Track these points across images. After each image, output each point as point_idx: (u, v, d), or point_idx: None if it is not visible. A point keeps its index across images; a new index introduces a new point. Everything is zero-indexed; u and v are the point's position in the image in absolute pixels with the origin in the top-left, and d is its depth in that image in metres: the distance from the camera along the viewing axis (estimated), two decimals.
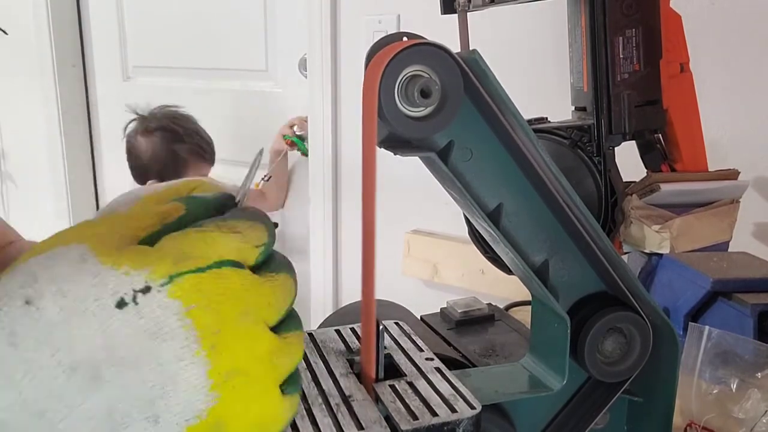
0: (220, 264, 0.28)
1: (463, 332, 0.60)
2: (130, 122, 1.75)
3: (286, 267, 0.32)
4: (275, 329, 0.30)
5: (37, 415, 0.25)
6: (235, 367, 0.27)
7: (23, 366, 0.25)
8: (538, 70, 1.33)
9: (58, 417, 0.25)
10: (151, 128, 1.70)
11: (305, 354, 0.42)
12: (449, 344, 0.57)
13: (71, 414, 0.25)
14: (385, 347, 0.42)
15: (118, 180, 2.31)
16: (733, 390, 0.58)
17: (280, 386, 0.30)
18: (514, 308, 0.84)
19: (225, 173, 2.02)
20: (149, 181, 1.72)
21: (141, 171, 1.73)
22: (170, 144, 1.69)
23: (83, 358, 0.25)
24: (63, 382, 0.25)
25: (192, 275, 0.27)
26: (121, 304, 0.26)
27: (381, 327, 0.38)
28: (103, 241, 0.28)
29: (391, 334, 0.45)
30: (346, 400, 0.36)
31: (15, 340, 0.25)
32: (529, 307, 0.48)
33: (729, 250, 0.83)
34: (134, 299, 0.26)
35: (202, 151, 1.70)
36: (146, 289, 0.26)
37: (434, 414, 0.35)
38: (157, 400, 0.26)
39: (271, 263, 0.31)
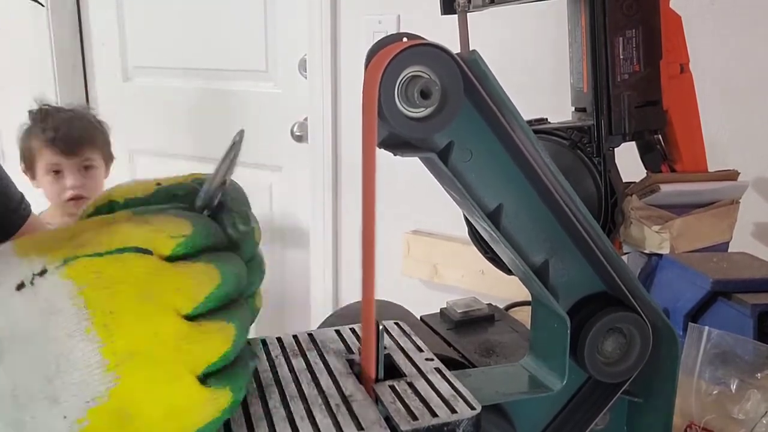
0: (122, 250, 0.29)
1: (462, 332, 0.60)
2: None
3: (220, 260, 0.32)
4: (194, 318, 0.30)
5: None
6: (134, 348, 0.28)
7: None
8: (538, 71, 1.33)
9: None
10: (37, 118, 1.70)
11: (305, 354, 0.42)
12: (449, 344, 0.57)
13: None
14: (385, 347, 0.42)
15: (118, 180, 2.31)
16: (733, 390, 0.58)
17: (203, 377, 0.30)
18: (514, 308, 0.84)
19: None
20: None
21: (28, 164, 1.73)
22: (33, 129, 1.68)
23: None
24: None
25: (87, 258, 0.29)
26: (20, 286, 0.28)
27: (381, 327, 0.38)
28: (25, 241, 0.30)
29: (391, 335, 0.45)
30: (345, 400, 0.36)
31: None
32: (529, 308, 0.48)
33: (729, 250, 0.83)
34: (32, 281, 0.28)
35: (56, 137, 1.64)
36: (43, 272, 0.28)
37: (434, 414, 0.35)
38: (54, 378, 0.27)
39: (200, 256, 0.31)
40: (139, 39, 2.13)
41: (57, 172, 1.65)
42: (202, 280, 0.30)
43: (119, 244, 0.29)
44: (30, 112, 1.69)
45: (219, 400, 0.30)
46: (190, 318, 0.30)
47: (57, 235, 0.30)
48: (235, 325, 0.31)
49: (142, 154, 2.23)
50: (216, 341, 0.30)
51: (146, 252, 0.30)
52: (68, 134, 1.63)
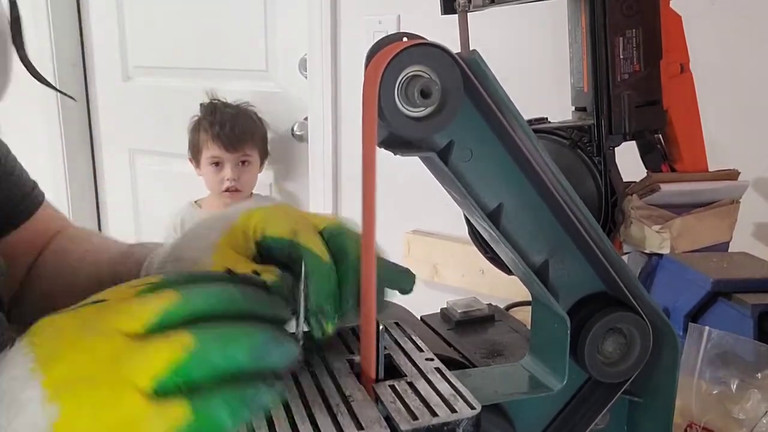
0: (84, 305, 0.31)
1: (463, 332, 0.60)
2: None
3: (189, 284, 0.32)
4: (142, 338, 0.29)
5: None
6: (71, 374, 0.28)
7: None
8: (538, 71, 1.33)
9: None
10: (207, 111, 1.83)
11: (304, 354, 0.42)
12: (449, 344, 0.57)
13: None
14: (385, 347, 0.42)
15: (118, 180, 2.31)
16: (734, 390, 0.58)
17: (154, 391, 0.28)
18: (514, 308, 0.84)
19: None
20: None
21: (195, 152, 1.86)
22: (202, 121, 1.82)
23: None
24: None
25: (48, 317, 0.30)
26: None
27: (381, 327, 0.38)
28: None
29: (391, 335, 0.45)
30: (345, 400, 0.36)
31: None
32: (529, 308, 0.48)
33: (729, 250, 0.83)
34: (5, 356, 0.29)
35: (219, 130, 1.77)
36: (11, 345, 0.29)
37: (434, 414, 0.35)
38: (12, 421, 0.27)
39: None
40: (139, 39, 2.13)
41: (217, 164, 1.79)
42: (150, 301, 0.30)
43: (80, 304, 0.31)
44: (201, 105, 1.82)
45: (169, 414, 0.28)
46: (142, 336, 0.29)
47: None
48: (198, 336, 0.29)
49: (143, 153, 2.23)
50: (161, 352, 0.28)
51: (101, 301, 0.31)
52: (232, 130, 1.75)
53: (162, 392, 0.28)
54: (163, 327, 0.29)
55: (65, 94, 0.59)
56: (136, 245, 0.61)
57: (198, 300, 0.30)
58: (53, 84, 0.57)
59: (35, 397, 0.27)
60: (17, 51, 0.51)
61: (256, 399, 0.29)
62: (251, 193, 1.88)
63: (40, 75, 0.53)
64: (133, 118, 2.18)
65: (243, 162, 1.79)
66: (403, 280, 0.45)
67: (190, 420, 0.28)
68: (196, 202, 1.91)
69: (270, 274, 0.40)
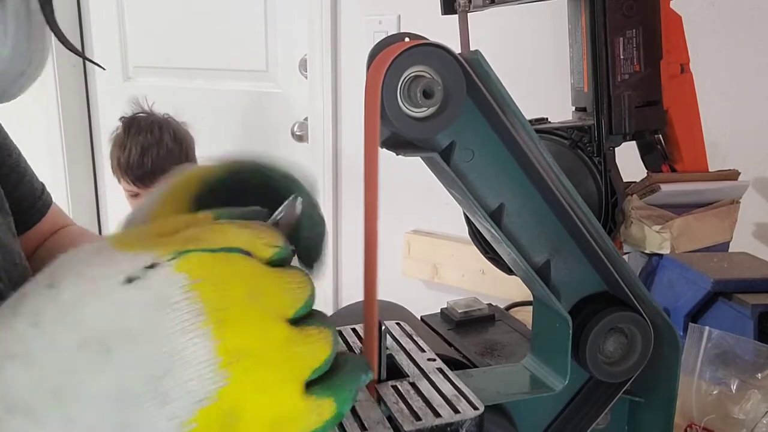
0: (229, 249, 0.29)
1: (463, 333, 0.60)
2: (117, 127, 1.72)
3: (303, 270, 0.31)
4: (295, 322, 0.29)
5: (51, 392, 0.25)
6: (246, 347, 0.27)
7: (43, 343, 0.25)
8: (538, 71, 1.33)
9: (69, 397, 0.25)
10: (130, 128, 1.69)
11: None
12: (450, 345, 0.57)
13: (81, 394, 0.25)
14: (387, 348, 0.42)
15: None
16: (734, 391, 0.58)
17: (306, 386, 0.28)
18: (515, 308, 0.84)
19: None
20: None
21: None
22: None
23: (94, 334, 0.26)
24: (75, 356, 0.25)
25: (199, 253, 0.28)
26: (130, 279, 0.26)
27: (383, 327, 0.38)
28: (121, 237, 0.29)
29: (393, 335, 0.45)
30: None
31: (37, 320, 0.26)
32: (530, 308, 0.48)
33: (729, 250, 0.83)
34: (144, 275, 0.26)
35: (129, 167, 1.65)
36: (153, 265, 0.27)
37: (437, 415, 0.35)
38: (165, 377, 0.25)
39: (286, 266, 0.31)
40: (140, 39, 2.13)
41: (136, 196, 1.67)
42: (300, 286, 0.30)
43: (226, 243, 0.29)
44: (121, 120, 1.69)
45: (322, 410, 0.29)
46: (292, 322, 0.29)
47: (155, 230, 0.30)
48: (330, 330, 0.30)
49: None
50: (319, 345, 0.29)
51: (249, 254, 0.29)
52: (141, 165, 1.62)
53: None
54: (302, 314, 0.30)
55: (95, 63, 0.56)
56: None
57: (315, 293, 0.31)
58: (82, 52, 0.56)
59: (207, 360, 0.26)
60: (47, 20, 0.49)
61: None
62: None
63: (71, 45, 0.51)
64: None
65: None
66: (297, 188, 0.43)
67: (335, 415, 0.29)
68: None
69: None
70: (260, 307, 0.28)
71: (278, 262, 0.30)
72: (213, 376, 0.26)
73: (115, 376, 0.25)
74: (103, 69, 0.59)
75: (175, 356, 0.26)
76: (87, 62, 2.23)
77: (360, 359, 0.31)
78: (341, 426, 0.34)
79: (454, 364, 0.49)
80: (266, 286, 0.29)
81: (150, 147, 1.63)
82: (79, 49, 2.20)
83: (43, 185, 0.72)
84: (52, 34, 0.49)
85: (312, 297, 0.30)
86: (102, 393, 0.25)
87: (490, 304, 0.65)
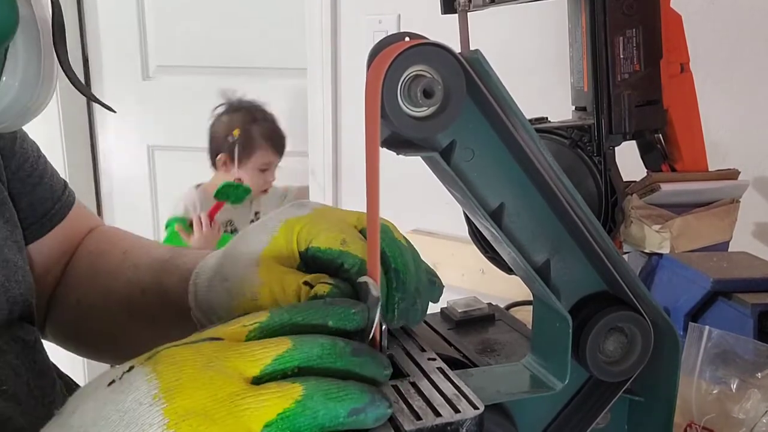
0: (201, 341, 0.33)
1: (463, 332, 0.60)
2: (217, 107, 1.90)
3: (301, 331, 0.34)
4: (262, 381, 0.31)
5: None
6: (192, 407, 0.29)
7: None
8: (538, 70, 1.33)
9: None
10: (233, 108, 1.89)
11: None
12: (450, 344, 0.57)
13: None
14: (387, 347, 0.42)
15: (118, 180, 2.31)
16: (733, 390, 0.58)
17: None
18: (515, 308, 0.84)
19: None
20: (219, 157, 1.88)
21: (215, 146, 1.90)
22: (246, 123, 1.86)
23: (77, 427, 0.30)
24: None
25: (165, 349, 0.32)
26: (111, 383, 0.31)
27: (384, 327, 0.38)
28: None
29: (393, 334, 0.45)
30: None
31: None
32: (530, 307, 0.48)
33: (729, 249, 0.83)
34: (120, 377, 0.31)
35: (273, 137, 1.86)
36: (130, 368, 0.31)
37: (437, 414, 0.35)
38: None
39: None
40: (158, 38, 2.14)
41: (265, 170, 1.90)
42: (267, 347, 0.32)
43: (197, 338, 0.33)
44: (230, 104, 1.90)
45: None
46: (258, 381, 0.31)
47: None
48: (305, 386, 0.31)
49: (147, 153, 2.24)
50: (272, 399, 0.30)
51: (218, 339, 0.33)
52: (280, 136, 1.88)
53: None
54: (275, 372, 0.32)
55: (103, 104, 0.56)
56: (176, 253, 0.62)
57: (309, 351, 0.33)
58: (95, 95, 0.56)
59: (157, 423, 0.29)
60: (58, 58, 0.50)
61: None
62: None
63: (81, 85, 0.53)
64: (152, 115, 2.18)
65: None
66: (434, 291, 0.49)
67: None
68: (198, 185, 1.92)
69: (323, 285, 0.41)
70: (214, 372, 0.30)
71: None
72: None
73: None
74: (114, 112, 0.61)
75: (132, 425, 0.29)
76: (88, 63, 2.23)
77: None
78: None
79: (454, 363, 0.49)
80: (226, 352, 0.32)
81: (272, 120, 1.86)
82: (81, 48, 2.20)
83: (64, 184, 0.70)
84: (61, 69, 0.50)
85: (294, 351, 0.32)
86: None
87: (490, 304, 0.65)
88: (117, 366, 0.33)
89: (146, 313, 0.60)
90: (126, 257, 0.65)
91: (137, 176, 2.28)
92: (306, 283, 0.42)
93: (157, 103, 2.17)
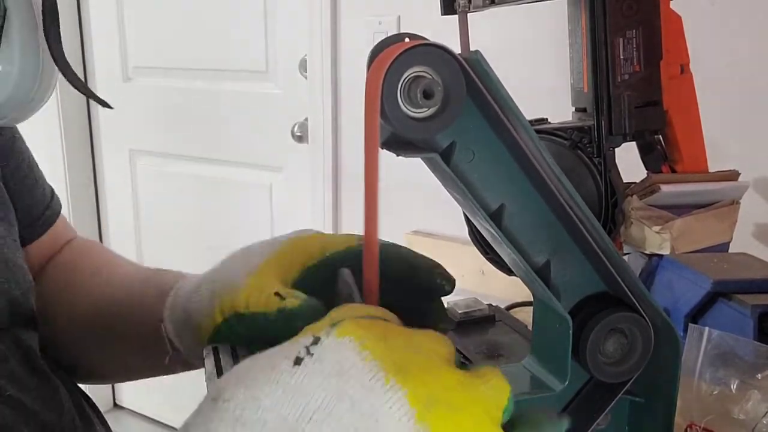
0: (372, 318, 0.30)
1: (463, 333, 0.60)
2: None
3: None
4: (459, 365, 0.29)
5: None
6: (433, 395, 0.26)
7: None
8: (538, 71, 1.33)
9: None
10: None
11: None
12: None
13: None
14: None
15: (118, 180, 2.31)
16: (734, 391, 0.58)
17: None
18: (515, 309, 0.84)
19: (227, 174, 2.02)
20: None
21: None
22: None
23: (277, 427, 0.25)
24: None
25: (350, 320, 0.28)
26: (297, 361, 0.26)
27: None
28: None
29: None
30: None
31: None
32: (530, 308, 0.48)
33: (729, 251, 0.83)
34: (308, 352, 0.26)
35: None
36: (316, 341, 0.27)
37: None
38: None
39: None
40: (139, 39, 2.13)
41: None
42: (444, 338, 0.31)
43: (363, 313, 0.30)
44: None
45: None
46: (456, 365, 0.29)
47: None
48: (497, 370, 0.30)
49: (143, 154, 2.23)
50: (498, 383, 0.28)
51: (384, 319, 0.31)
52: None
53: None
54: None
55: (103, 102, 0.53)
56: (158, 272, 0.59)
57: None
58: (92, 90, 0.52)
59: (405, 413, 0.25)
60: (49, 47, 0.46)
61: None
62: None
63: (80, 82, 0.48)
64: (134, 118, 2.18)
65: None
66: (445, 284, 0.48)
67: None
68: None
69: (294, 299, 0.40)
70: (424, 356, 0.27)
71: None
72: (414, 429, 0.25)
73: None
74: (111, 108, 0.57)
75: (370, 418, 0.25)
76: (87, 63, 2.23)
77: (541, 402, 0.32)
78: None
79: None
80: (419, 336, 0.29)
81: None
82: (81, 49, 2.21)
83: (51, 191, 0.68)
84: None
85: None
86: None
87: (490, 305, 0.65)
88: (285, 342, 0.28)
89: (113, 329, 0.57)
90: (98, 272, 0.63)
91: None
92: (277, 293, 0.40)
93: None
